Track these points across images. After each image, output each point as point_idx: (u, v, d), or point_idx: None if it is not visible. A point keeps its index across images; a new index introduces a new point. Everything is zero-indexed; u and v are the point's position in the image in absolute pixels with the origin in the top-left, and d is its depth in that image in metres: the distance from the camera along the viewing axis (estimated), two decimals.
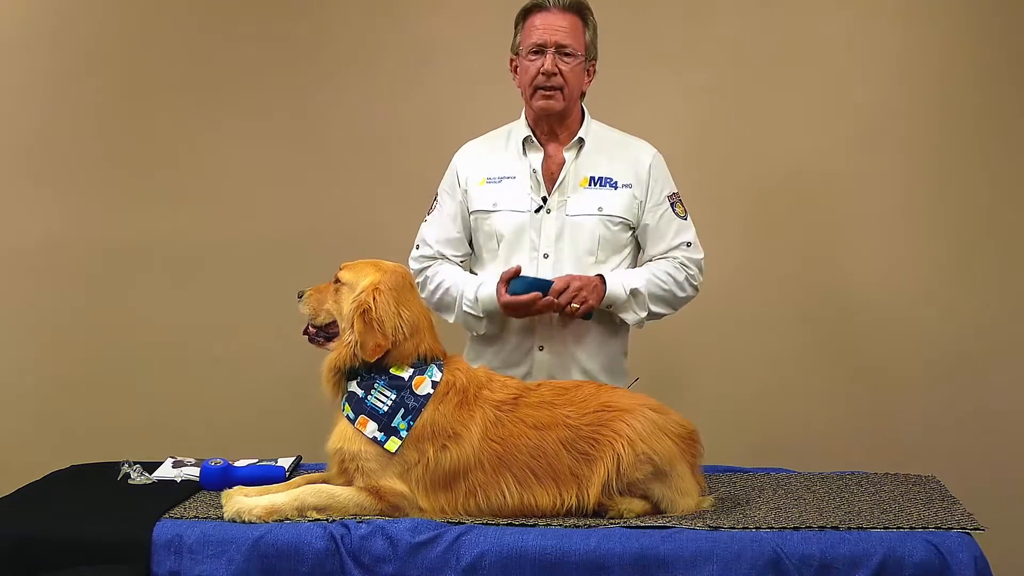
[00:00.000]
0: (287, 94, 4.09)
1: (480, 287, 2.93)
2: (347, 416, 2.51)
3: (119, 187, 4.11)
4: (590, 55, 2.97)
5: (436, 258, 3.04)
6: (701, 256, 3.01)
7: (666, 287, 2.94)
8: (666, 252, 2.98)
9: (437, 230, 3.04)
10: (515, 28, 3.00)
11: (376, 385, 2.50)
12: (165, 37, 4.09)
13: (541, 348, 2.93)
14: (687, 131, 3.95)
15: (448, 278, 3.00)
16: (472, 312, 2.94)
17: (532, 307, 2.81)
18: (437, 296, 3.00)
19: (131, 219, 4.10)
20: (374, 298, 2.51)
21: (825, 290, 3.97)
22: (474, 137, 3.15)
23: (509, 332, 2.95)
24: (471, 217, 3.01)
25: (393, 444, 2.45)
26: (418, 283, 3.02)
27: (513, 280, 2.83)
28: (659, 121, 3.87)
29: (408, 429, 2.45)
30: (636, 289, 2.90)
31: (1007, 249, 3.91)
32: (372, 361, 2.50)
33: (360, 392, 2.51)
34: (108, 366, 4.12)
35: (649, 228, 2.97)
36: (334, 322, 2.59)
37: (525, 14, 2.96)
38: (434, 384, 2.49)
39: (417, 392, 2.48)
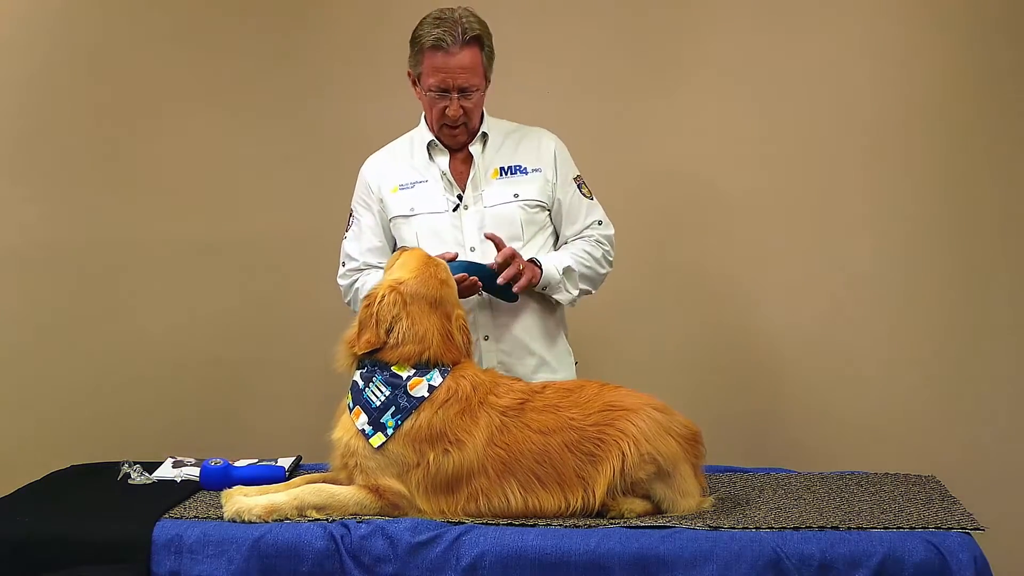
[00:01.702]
0: (282, 92, 4.07)
1: None
2: (347, 404, 2.52)
3: (121, 188, 4.10)
4: (488, 77, 3.00)
5: (362, 269, 3.07)
6: (612, 232, 3.10)
7: (588, 264, 3.02)
8: (580, 232, 3.06)
9: (358, 243, 3.08)
10: (412, 51, 2.96)
11: (375, 379, 2.51)
12: (153, 36, 4.08)
13: (487, 338, 2.96)
14: (685, 131, 3.96)
15: (374, 274, 3.02)
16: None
17: (459, 287, 2.81)
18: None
19: (132, 219, 4.10)
20: (383, 296, 2.54)
21: (825, 291, 3.97)
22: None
23: None
24: (391, 223, 3.05)
25: (378, 440, 2.46)
26: (348, 300, 3.09)
27: (448, 264, 2.82)
28: (655, 122, 3.89)
29: (395, 428, 2.46)
30: (568, 267, 2.97)
31: (1008, 250, 3.90)
32: (361, 353, 2.53)
33: (360, 383, 2.53)
34: (108, 366, 4.11)
35: (563, 210, 3.05)
36: None
37: (422, 47, 2.92)
38: (431, 388, 2.49)
39: (411, 393, 2.48)
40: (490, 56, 2.99)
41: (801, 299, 3.97)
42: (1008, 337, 3.90)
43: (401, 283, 2.58)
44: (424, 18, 2.95)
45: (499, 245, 2.87)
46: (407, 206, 3.01)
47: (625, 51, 3.99)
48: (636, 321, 3.96)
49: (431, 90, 2.94)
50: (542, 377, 2.94)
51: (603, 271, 3.07)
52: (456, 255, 2.86)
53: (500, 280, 2.83)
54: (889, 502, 2.57)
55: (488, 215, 2.98)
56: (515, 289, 2.86)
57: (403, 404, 2.47)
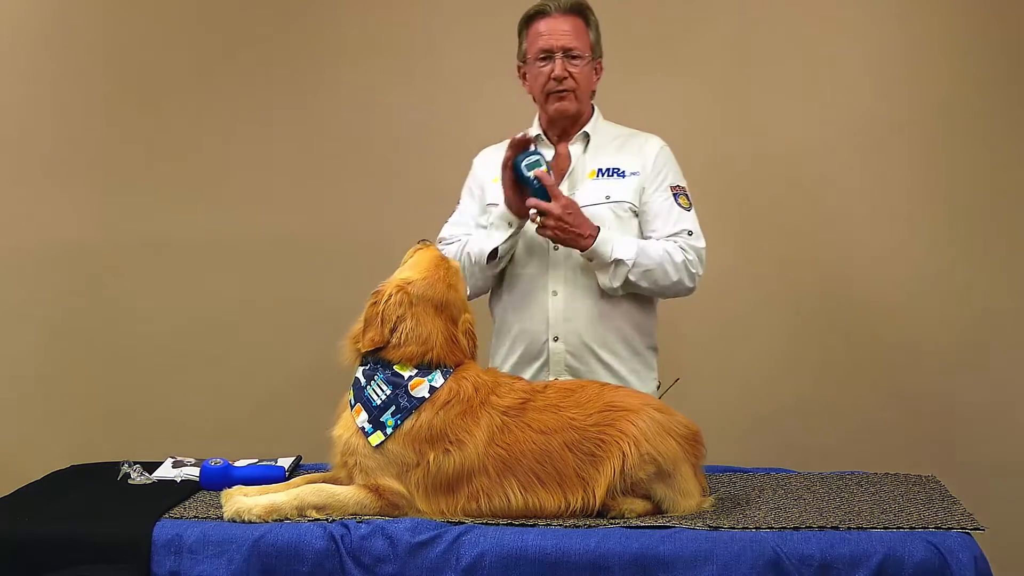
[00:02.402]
0: (289, 93, 4.09)
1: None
2: (349, 401, 2.53)
3: (119, 187, 4.12)
4: (596, 54, 3.02)
5: (452, 243, 3.06)
6: (702, 245, 2.98)
7: (657, 261, 2.90)
8: (666, 238, 2.96)
9: (455, 227, 3.08)
10: (519, 36, 3.03)
11: (376, 377, 2.51)
12: (164, 37, 4.09)
13: (556, 339, 2.94)
14: (688, 130, 3.95)
15: (464, 238, 3.03)
16: (483, 224, 2.97)
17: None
18: (456, 252, 3.00)
19: (131, 219, 4.11)
20: (390, 295, 2.54)
21: (825, 291, 3.97)
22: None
23: (525, 326, 2.97)
24: (486, 210, 3.04)
25: (376, 438, 2.46)
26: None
27: (522, 155, 2.82)
28: (658, 120, 3.88)
29: (395, 428, 2.45)
30: (621, 260, 2.87)
31: (1007, 251, 3.90)
32: (365, 351, 2.53)
33: (363, 380, 2.53)
34: (108, 366, 4.12)
35: (650, 212, 2.98)
36: None
37: (527, 21, 3.00)
38: (432, 389, 2.49)
39: (412, 393, 2.48)
40: (596, 33, 3.00)
41: (800, 299, 3.97)
42: (1009, 337, 3.91)
43: (409, 283, 2.57)
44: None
45: (559, 198, 2.81)
46: (501, 196, 2.98)
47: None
48: None
49: (536, 59, 2.95)
50: None
51: (675, 278, 2.92)
52: (525, 137, 2.84)
53: (530, 210, 2.81)
54: (889, 502, 2.57)
55: None
56: (540, 231, 2.83)
57: (403, 404, 2.47)
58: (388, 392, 2.49)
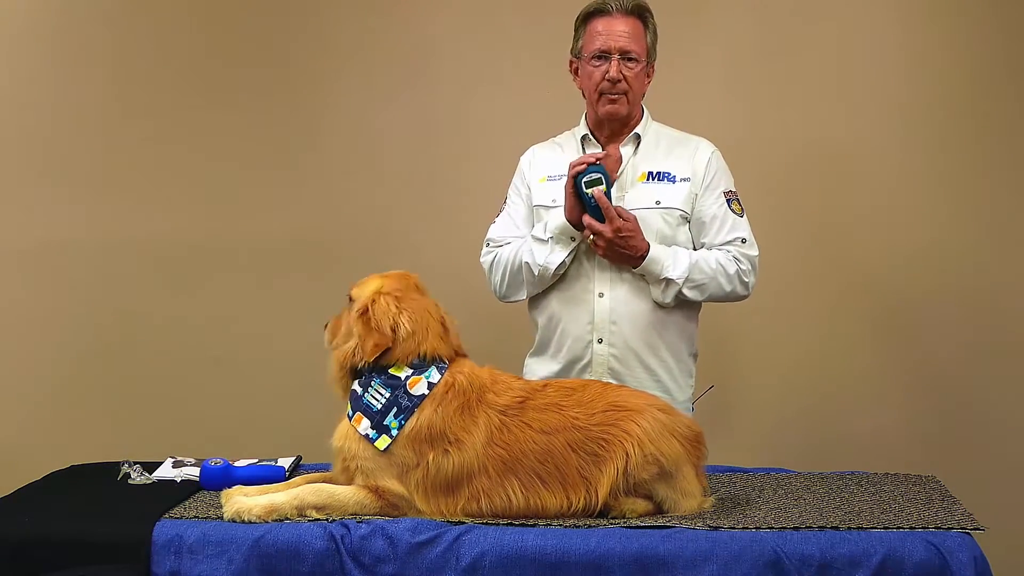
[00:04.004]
0: (290, 94, 4.08)
1: (553, 216, 2.93)
2: (348, 414, 2.52)
3: (120, 187, 4.11)
4: (651, 58, 3.00)
5: (502, 245, 3.05)
6: (756, 253, 2.96)
7: (710, 275, 2.90)
8: (720, 246, 2.95)
9: (504, 229, 3.06)
10: (575, 31, 3.02)
11: (373, 383, 2.51)
12: (165, 37, 4.09)
13: (600, 341, 2.93)
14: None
15: (516, 242, 3.01)
16: (542, 237, 2.92)
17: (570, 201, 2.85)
18: (510, 258, 2.98)
19: (130, 219, 4.10)
20: (373, 301, 2.54)
21: (827, 292, 3.96)
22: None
23: (571, 326, 2.95)
24: (534, 211, 3.03)
25: (383, 442, 2.45)
26: (490, 277, 3.04)
27: (585, 171, 2.80)
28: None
29: (399, 428, 2.45)
30: (671, 280, 2.87)
31: (1017, 252, 3.90)
32: (372, 359, 2.51)
33: (359, 390, 2.53)
34: (108, 366, 4.12)
35: (703, 220, 2.96)
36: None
37: (586, 18, 2.98)
38: (430, 385, 2.49)
39: (412, 392, 2.48)
40: (654, 36, 2.98)
41: (803, 300, 3.97)
42: (1009, 336, 3.91)
43: (380, 288, 2.58)
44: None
45: (622, 214, 2.81)
46: (549, 197, 2.97)
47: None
48: None
49: (591, 57, 2.93)
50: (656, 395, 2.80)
51: (728, 289, 2.92)
52: (597, 157, 2.83)
53: (585, 228, 2.81)
54: (889, 502, 2.57)
55: None
56: (592, 248, 2.83)
57: (404, 403, 2.47)
58: (388, 395, 2.49)
